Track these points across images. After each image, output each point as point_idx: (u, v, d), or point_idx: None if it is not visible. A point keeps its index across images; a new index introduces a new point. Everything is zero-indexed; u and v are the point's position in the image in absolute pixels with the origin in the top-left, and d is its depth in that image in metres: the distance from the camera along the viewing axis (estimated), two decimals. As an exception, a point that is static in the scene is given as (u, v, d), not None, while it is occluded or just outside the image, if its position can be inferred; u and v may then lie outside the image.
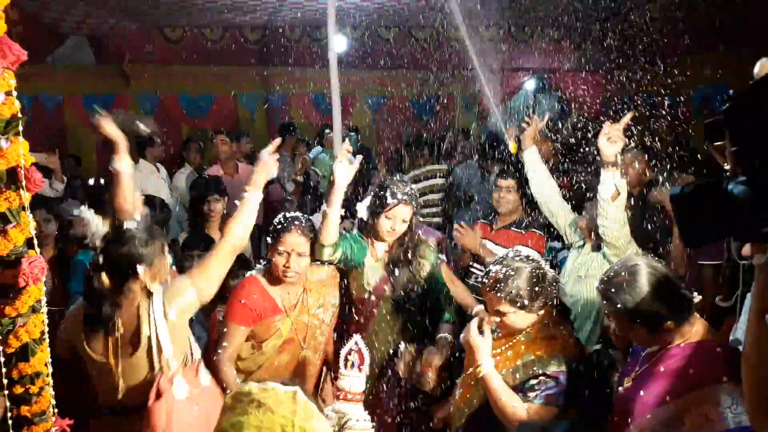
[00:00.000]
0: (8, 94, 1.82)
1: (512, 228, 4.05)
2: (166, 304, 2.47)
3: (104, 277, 2.40)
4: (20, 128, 1.83)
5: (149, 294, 2.46)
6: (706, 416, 1.88)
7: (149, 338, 2.44)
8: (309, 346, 3.09)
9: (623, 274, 2.10)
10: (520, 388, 2.37)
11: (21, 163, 1.84)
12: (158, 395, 2.35)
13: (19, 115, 1.82)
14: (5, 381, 1.92)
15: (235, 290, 3.02)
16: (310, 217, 3.13)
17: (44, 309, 2.00)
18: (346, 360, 2.56)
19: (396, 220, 3.14)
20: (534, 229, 3.98)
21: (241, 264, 3.38)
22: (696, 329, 2.07)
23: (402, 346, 3.13)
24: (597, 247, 3.50)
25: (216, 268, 2.56)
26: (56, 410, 2.09)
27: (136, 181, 5.81)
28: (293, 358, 3.07)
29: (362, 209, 3.28)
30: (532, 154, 3.83)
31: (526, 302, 2.40)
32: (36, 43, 7.32)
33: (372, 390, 3.23)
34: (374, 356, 3.14)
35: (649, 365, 2.12)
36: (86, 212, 2.76)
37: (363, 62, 8.48)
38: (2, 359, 1.91)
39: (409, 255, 3.21)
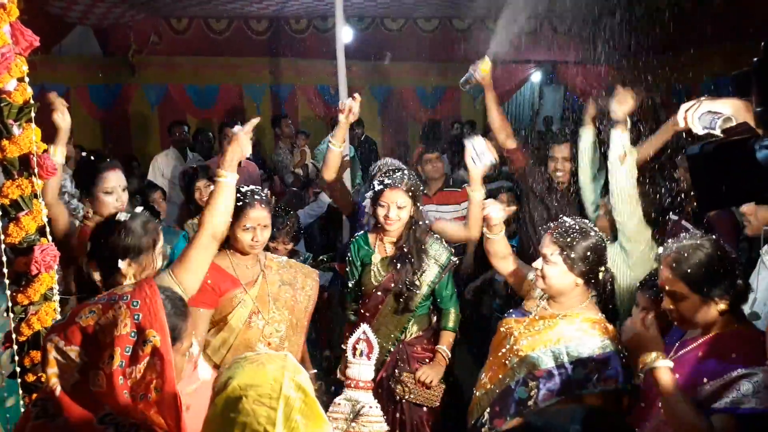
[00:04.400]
0: (20, 80, 1.81)
1: (445, 189, 4.68)
2: None
3: (93, 268, 2.28)
4: (32, 115, 1.83)
5: None
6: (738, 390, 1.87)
7: None
8: (275, 328, 2.98)
9: (695, 242, 2.07)
10: None
11: (33, 150, 1.83)
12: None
13: (31, 101, 1.82)
14: (18, 369, 1.92)
15: None
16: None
17: (56, 297, 2.00)
18: (354, 349, 2.58)
19: (389, 207, 3.09)
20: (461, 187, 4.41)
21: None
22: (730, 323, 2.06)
23: (397, 371, 3.17)
24: (614, 237, 3.48)
25: (197, 260, 2.39)
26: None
27: (166, 168, 5.84)
28: (266, 340, 2.97)
29: (368, 205, 3.28)
30: (589, 137, 3.73)
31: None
32: (42, 33, 7.22)
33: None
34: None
35: (685, 351, 2.10)
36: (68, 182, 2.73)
37: (369, 53, 8.45)
38: (15, 347, 1.91)
39: (412, 250, 3.16)
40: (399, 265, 3.16)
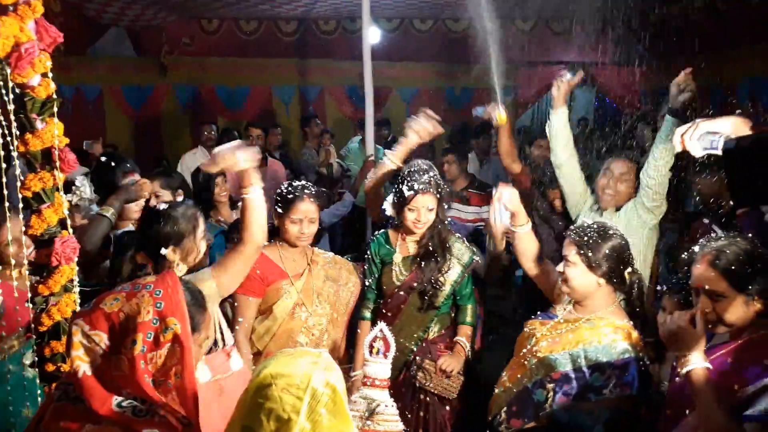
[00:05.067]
0: (44, 75, 1.85)
1: (470, 189, 4.70)
2: None
3: (143, 259, 2.39)
4: (55, 109, 1.86)
5: None
6: None
7: None
8: (317, 321, 3.10)
9: (732, 240, 2.00)
10: None
11: (56, 143, 1.87)
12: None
13: (54, 96, 1.85)
14: (36, 359, 1.96)
15: None
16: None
17: (76, 288, 2.04)
18: (372, 347, 2.57)
19: (420, 212, 3.10)
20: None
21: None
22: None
23: (419, 359, 3.16)
24: (618, 208, 3.43)
25: (238, 267, 2.51)
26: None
27: (194, 166, 5.92)
28: (307, 332, 3.09)
29: (387, 206, 3.27)
30: (561, 116, 3.62)
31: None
32: (78, 34, 7.47)
33: (392, 383, 3.23)
34: (400, 348, 3.14)
35: (714, 356, 2.03)
36: (81, 180, 2.77)
37: (398, 54, 8.45)
38: (34, 337, 1.95)
39: (437, 249, 3.16)
40: (423, 263, 3.15)
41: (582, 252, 2.41)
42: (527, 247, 2.83)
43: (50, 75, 1.84)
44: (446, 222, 3.22)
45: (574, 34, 8.40)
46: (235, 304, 3.02)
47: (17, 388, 2.20)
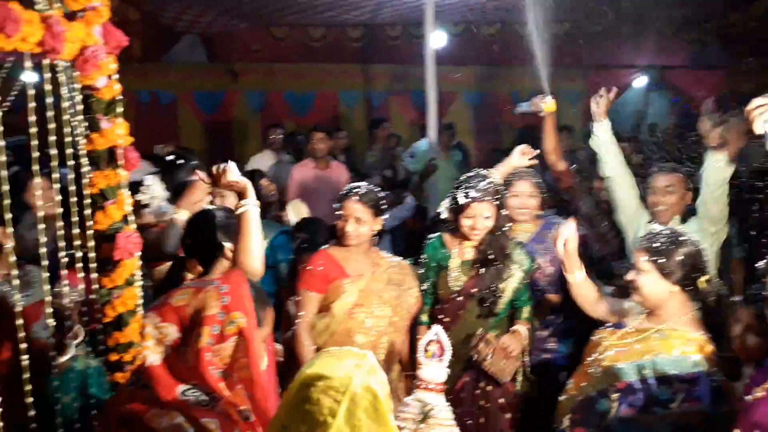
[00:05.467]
0: (109, 77, 1.93)
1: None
2: None
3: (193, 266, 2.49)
4: (120, 110, 1.95)
5: None
6: None
7: None
8: (375, 323, 3.11)
9: None
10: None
11: (119, 143, 1.95)
12: None
13: (119, 97, 1.93)
14: (101, 347, 2.04)
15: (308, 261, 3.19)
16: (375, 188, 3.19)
17: (139, 282, 2.11)
18: (426, 350, 2.55)
19: (477, 219, 3.07)
20: None
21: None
22: None
23: (480, 330, 3.11)
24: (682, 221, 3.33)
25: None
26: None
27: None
28: (365, 333, 3.11)
29: (443, 209, 3.26)
30: (606, 130, 3.57)
31: None
32: (154, 41, 7.79)
33: (452, 389, 3.20)
34: (458, 355, 3.11)
35: None
36: (150, 180, 2.83)
37: (464, 58, 8.39)
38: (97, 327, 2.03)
39: (497, 256, 3.13)
40: (483, 270, 3.13)
41: (653, 258, 2.34)
42: (584, 293, 2.75)
43: (115, 77, 1.93)
44: (506, 228, 3.18)
45: (648, 36, 8.13)
46: (298, 298, 3.10)
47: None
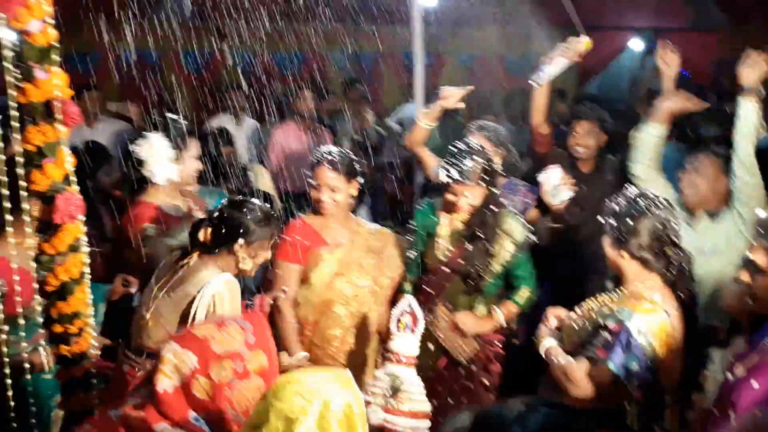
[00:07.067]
0: (44, 21, 1.76)
1: None
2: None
3: (208, 232, 2.42)
4: (57, 58, 1.78)
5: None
6: None
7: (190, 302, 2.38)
8: (356, 293, 3.01)
9: None
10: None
11: (56, 94, 1.78)
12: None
13: (55, 44, 1.76)
14: (40, 319, 1.91)
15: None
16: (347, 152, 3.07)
17: (85, 249, 1.97)
18: (398, 321, 2.43)
19: (458, 198, 2.92)
20: None
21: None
22: None
23: (431, 305, 3.01)
24: (711, 215, 3.10)
25: None
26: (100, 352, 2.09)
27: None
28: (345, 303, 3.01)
29: (439, 170, 3.09)
30: (658, 134, 3.28)
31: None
32: None
33: (435, 366, 3.10)
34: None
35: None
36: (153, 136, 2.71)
37: (453, 19, 8.15)
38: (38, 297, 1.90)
39: (487, 232, 2.97)
40: (470, 245, 2.97)
41: (609, 222, 2.38)
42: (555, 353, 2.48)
43: (50, 21, 1.75)
44: (499, 205, 3.00)
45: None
46: (277, 271, 2.96)
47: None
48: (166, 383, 1.54)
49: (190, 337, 1.59)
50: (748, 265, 1.98)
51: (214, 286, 2.34)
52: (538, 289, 3.15)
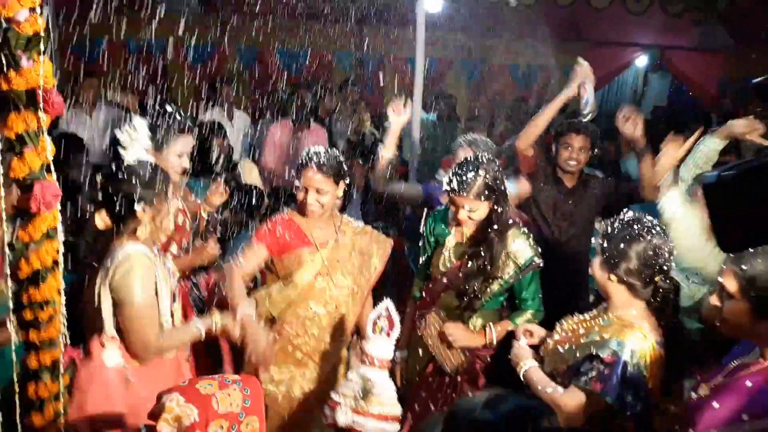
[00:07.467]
0: (32, 10, 1.76)
1: None
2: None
3: (104, 215, 2.37)
4: (42, 47, 1.78)
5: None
6: None
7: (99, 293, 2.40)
8: (337, 293, 3.01)
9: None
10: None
11: (40, 84, 1.78)
12: (88, 354, 2.37)
13: (42, 33, 1.76)
14: (10, 305, 1.91)
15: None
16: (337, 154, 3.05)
17: (60, 237, 1.97)
18: (375, 324, 2.43)
19: (460, 211, 2.88)
20: None
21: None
22: None
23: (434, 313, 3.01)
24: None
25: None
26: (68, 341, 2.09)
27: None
28: (324, 303, 3.01)
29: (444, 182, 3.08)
30: (714, 145, 3.36)
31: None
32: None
33: (422, 372, 3.10)
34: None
35: (734, 379, 1.89)
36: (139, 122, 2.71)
37: (460, 26, 8.15)
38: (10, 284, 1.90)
39: (488, 247, 2.91)
40: (470, 263, 2.93)
41: (600, 243, 2.36)
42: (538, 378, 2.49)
43: (38, 10, 1.75)
44: (504, 222, 2.93)
45: (650, 15, 7.89)
46: (246, 247, 2.99)
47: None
48: (166, 430, 1.64)
49: (193, 392, 1.68)
50: (719, 289, 1.98)
51: (115, 258, 2.36)
52: (541, 311, 3.06)
